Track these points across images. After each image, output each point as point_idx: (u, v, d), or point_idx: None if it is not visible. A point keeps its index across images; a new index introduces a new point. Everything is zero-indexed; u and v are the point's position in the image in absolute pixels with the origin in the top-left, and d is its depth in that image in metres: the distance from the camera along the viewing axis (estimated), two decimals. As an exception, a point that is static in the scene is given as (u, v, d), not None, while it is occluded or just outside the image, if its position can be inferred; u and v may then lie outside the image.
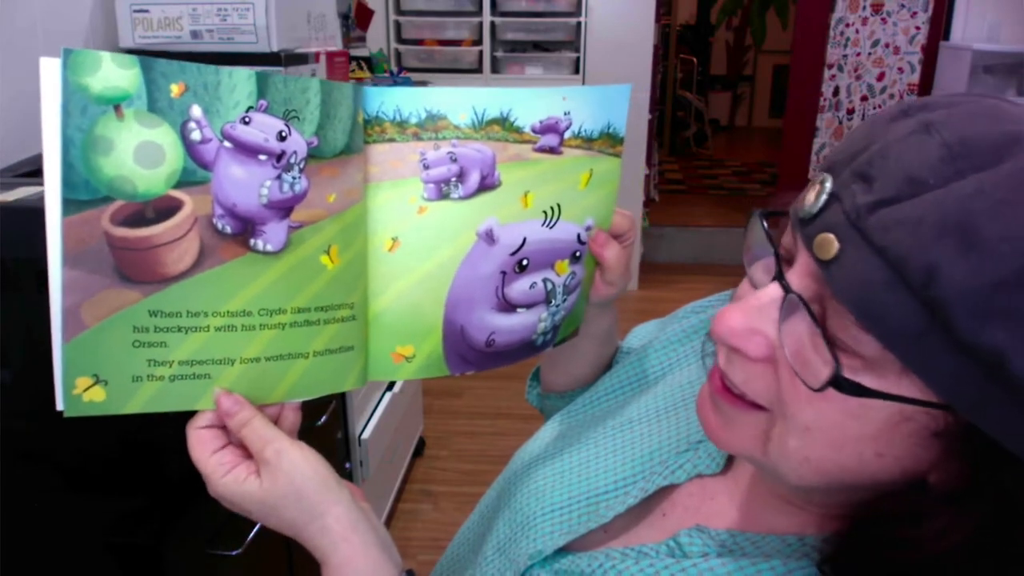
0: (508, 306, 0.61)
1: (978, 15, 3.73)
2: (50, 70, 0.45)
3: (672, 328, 0.74)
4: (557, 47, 3.99)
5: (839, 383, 0.40)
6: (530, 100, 0.57)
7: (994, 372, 0.36)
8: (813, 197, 0.42)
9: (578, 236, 0.62)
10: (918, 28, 3.85)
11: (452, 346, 0.61)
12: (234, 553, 1.09)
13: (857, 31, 3.99)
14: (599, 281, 0.66)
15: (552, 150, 0.59)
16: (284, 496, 0.53)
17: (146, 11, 1.40)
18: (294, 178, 0.52)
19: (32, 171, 1.08)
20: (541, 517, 0.60)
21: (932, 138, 0.39)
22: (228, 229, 0.51)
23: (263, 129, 0.51)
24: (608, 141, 0.62)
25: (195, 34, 1.39)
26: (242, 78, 0.49)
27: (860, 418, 0.41)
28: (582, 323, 0.70)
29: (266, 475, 0.54)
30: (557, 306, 0.63)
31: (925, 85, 3.89)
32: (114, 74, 0.46)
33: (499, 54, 3.94)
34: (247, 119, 0.50)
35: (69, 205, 0.47)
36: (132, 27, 1.41)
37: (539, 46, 4.00)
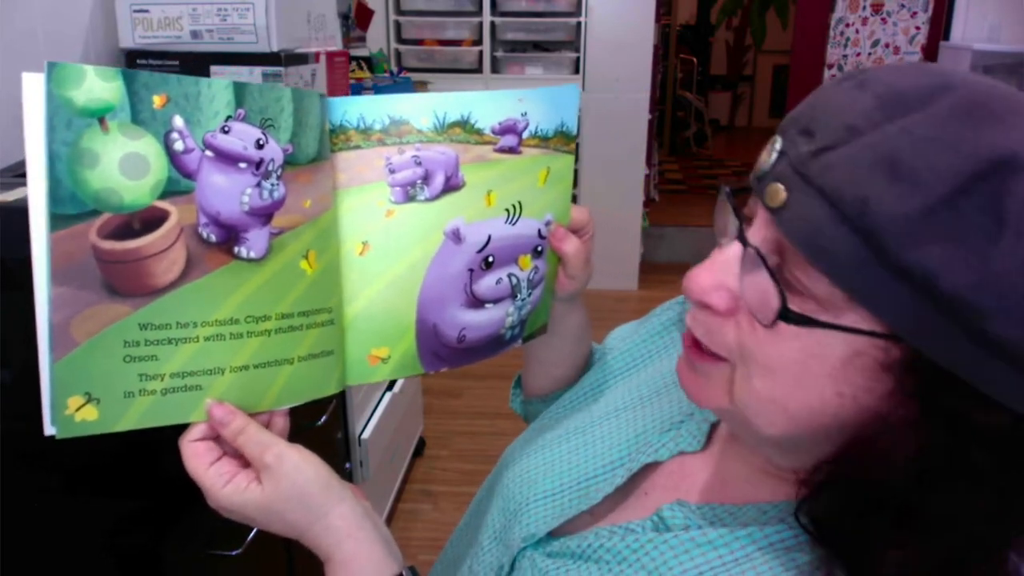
0: (477, 302, 0.63)
1: (978, 15, 3.73)
2: (33, 85, 0.45)
3: (652, 321, 0.77)
4: (557, 47, 3.99)
5: (786, 315, 0.44)
6: (488, 103, 0.59)
7: (926, 293, 0.39)
8: (765, 156, 0.47)
9: (539, 231, 0.64)
10: (918, 28, 3.85)
11: (425, 344, 0.62)
12: (234, 553, 1.09)
13: (857, 31, 3.99)
14: (562, 275, 0.68)
15: (512, 150, 0.61)
16: (288, 499, 0.54)
17: (146, 11, 1.40)
18: (272, 185, 0.53)
19: (32, 171, 1.08)
20: (533, 503, 0.62)
21: (865, 92, 0.43)
22: (213, 238, 0.51)
23: (242, 137, 0.51)
24: (562, 139, 0.64)
25: (195, 34, 1.39)
26: (220, 88, 0.50)
27: (817, 356, 0.44)
28: (550, 320, 0.72)
29: (268, 480, 0.54)
30: (523, 300, 0.65)
31: (925, 85, 3.88)
32: (98, 86, 0.46)
33: (499, 54, 3.94)
34: (227, 128, 0.51)
35: (56, 220, 0.47)
36: (132, 27, 1.41)
37: (539, 46, 4.00)
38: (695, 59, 7.55)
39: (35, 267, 0.47)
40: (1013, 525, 0.43)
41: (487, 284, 0.63)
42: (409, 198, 0.58)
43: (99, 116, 0.47)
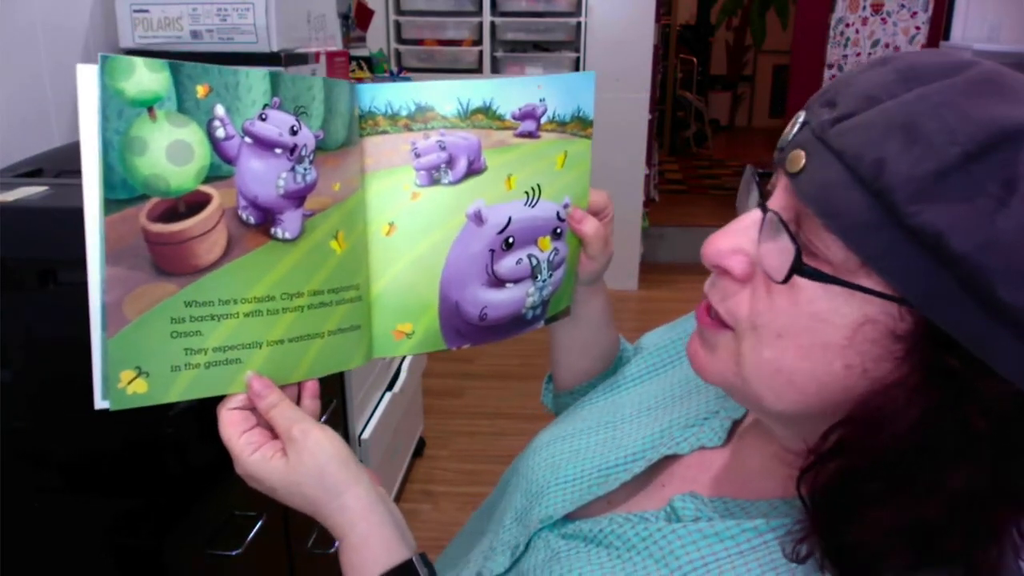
0: (498, 281, 0.65)
1: (978, 15, 3.73)
2: (87, 76, 0.48)
3: (689, 322, 0.77)
4: (557, 47, 3.99)
5: (800, 268, 0.44)
6: (509, 89, 0.62)
7: (936, 253, 0.40)
8: (788, 128, 0.48)
9: (557, 214, 0.67)
10: (918, 28, 3.85)
11: (448, 321, 0.65)
12: (234, 553, 1.09)
13: (857, 31, 3.99)
14: (583, 256, 0.70)
15: (531, 135, 0.64)
16: (308, 474, 0.56)
17: (146, 11, 1.40)
18: (305, 169, 0.56)
19: (32, 171, 1.08)
20: (554, 486, 0.64)
21: (887, 67, 0.45)
22: (251, 219, 0.55)
23: (278, 125, 0.54)
24: (579, 124, 0.66)
25: (195, 34, 1.39)
26: (258, 78, 0.53)
27: (826, 322, 0.45)
28: (573, 303, 0.74)
29: (292, 453, 0.56)
30: (544, 281, 0.68)
31: (925, 85, 3.88)
32: (147, 78, 0.49)
33: (499, 54, 3.94)
34: (264, 116, 0.54)
35: (110, 205, 0.49)
36: (132, 27, 1.41)
37: (539, 46, 4.00)
38: (695, 59, 7.54)
39: (88, 250, 0.50)
40: (1001, 500, 0.43)
41: (507, 264, 0.65)
42: (434, 181, 0.61)
43: (148, 106, 0.49)
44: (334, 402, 1.65)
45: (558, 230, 0.67)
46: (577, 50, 3.92)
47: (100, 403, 0.52)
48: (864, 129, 0.43)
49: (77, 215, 0.50)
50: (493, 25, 3.89)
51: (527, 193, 0.64)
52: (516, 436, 2.69)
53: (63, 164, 1.11)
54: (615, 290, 4.14)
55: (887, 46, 3.93)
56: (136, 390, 0.53)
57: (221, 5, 1.37)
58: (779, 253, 0.46)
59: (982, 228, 0.39)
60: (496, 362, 3.15)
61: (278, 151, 0.54)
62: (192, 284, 0.53)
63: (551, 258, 0.67)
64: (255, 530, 1.12)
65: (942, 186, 0.40)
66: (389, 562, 0.56)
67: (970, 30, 3.75)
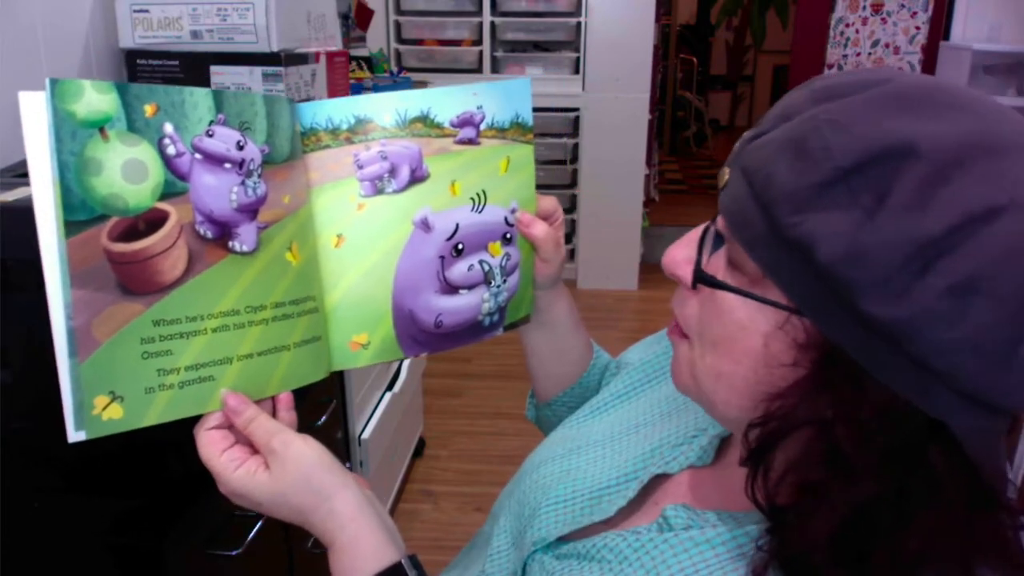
0: (450, 288, 0.66)
1: (978, 15, 3.73)
2: (31, 103, 0.48)
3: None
4: (557, 47, 3.99)
5: (700, 276, 0.48)
6: (445, 98, 0.63)
7: (808, 263, 0.42)
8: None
9: (505, 219, 0.68)
10: (918, 28, 3.85)
11: (404, 330, 0.65)
12: (234, 553, 1.09)
13: (857, 31, 3.99)
14: (537, 260, 0.71)
15: (471, 141, 0.65)
16: (294, 482, 0.56)
17: (146, 11, 1.40)
18: (255, 183, 0.57)
19: (32, 171, 1.07)
20: (546, 508, 0.63)
21: (808, 87, 0.47)
22: (209, 234, 0.55)
23: (225, 140, 0.55)
24: (519, 130, 0.68)
25: (195, 34, 1.39)
26: (202, 95, 0.54)
27: (747, 329, 0.47)
28: (537, 311, 0.75)
29: (275, 465, 0.56)
30: (498, 287, 0.69)
31: (925, 85, 3.88)
32: (96, 99, 0.50)
33: (499, 54, 3.94)
34: (211, 132, 0.55)
35: (71, 227, 0.49)
36: (132, 27, 1.41)
37: (539, 46, 4.00)
38: (695, 59, 7.54)
39: (47, 274, 0.49)
40: (910, 508, 0.43)
41: (459, 271, 0.65)
42: (378, 191, 0.62)
43: (99, 126, 0.50)
44: (334, 402, 1.65)
45: (508, 235, 0.68)
46: (577, 50, 3.92)
47: (75, 435, 0.51)
48: (765, 146, 0.45)
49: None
50: (493, 25, 3.89)
51: (473, 199, 0.65)
52: (516, 436, 2.69)
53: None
54: (615, 290, 4.17)
55: (887, 46, 3.93)
56: (112, 415, 0.52)
57: (221, 5, 1.37)
58: (714, 263, 0.49)
59: (848, 240, 0.40)
60: (496, 362, 3.15)
61: (228, 166, 0.55)
62: (159, 303, 0.53)
63: (503, 263, 0.68)
64: (255, 530, 1.12)
65: (820, 199, 0.41)
66: (379, 564, 0.56)
67: (970, 30, 3.75)
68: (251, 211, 0.57)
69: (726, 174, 0.48)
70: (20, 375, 0.84)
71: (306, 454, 0.57)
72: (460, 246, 0.65)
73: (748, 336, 0.47)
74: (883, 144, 0.40)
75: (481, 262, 0.66)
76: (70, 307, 0.49)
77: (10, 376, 0.84)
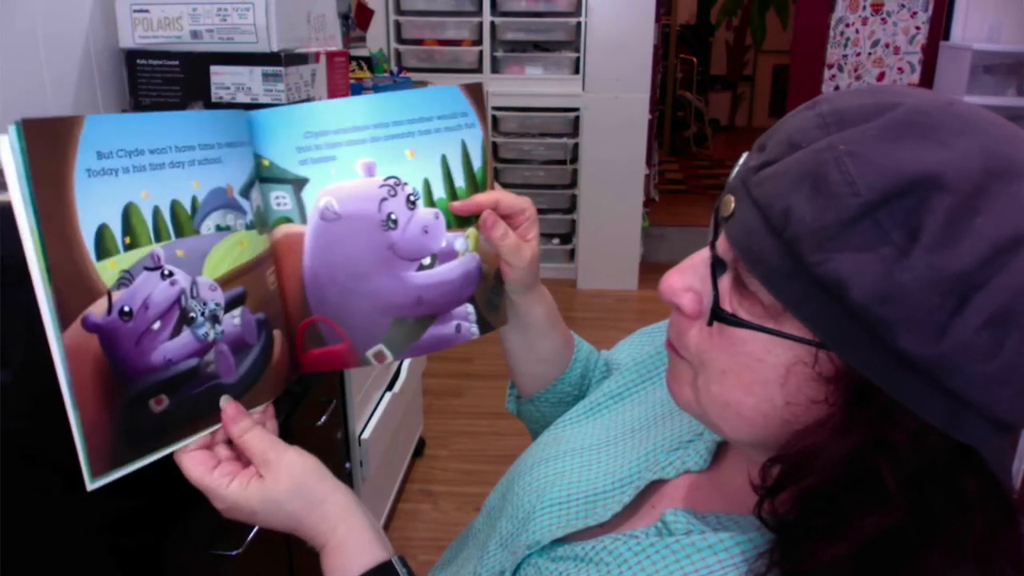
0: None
1: (978, 15, 3.72)
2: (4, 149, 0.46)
3: (663, 335, 0.75)
4: (557, 47, 3.99)
5: (718, 314, 0.46)
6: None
7: (840, 302, 0.40)
8: (733, 172, 0.49)
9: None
10: (918, 28, 3.85)
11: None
12: (234, 553, 1.09)
13: (857, 31, 3.98)
14: (502, 263, 0.68)
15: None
16: (288, 490, 0.58)
17: (146, 11, 1.40)
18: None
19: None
20: (540, 511, 0.63)
21: (813, 111, 0.45)
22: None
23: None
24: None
25: (195, 34, 1.39)
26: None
27: (762, 361, 0.46)
28: (514, 312, 0.73)
29: (269, 474, 0.58)
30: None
31: (925, 85, 3.88)
32: None
33: (499, 54, 3.94)
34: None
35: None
36: (132, 27, 1.41)
37: (539, 46, 4.00)
38: (695, 59, 7.54)
39: (46, 320, 0.50)
40: (924, 543, 0.43)
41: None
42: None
43: None
44: (334, 402, 1.65)
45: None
46: (577, 50, 3.92)
47: (92, 484, 0.52)
48: (777, 178, 0.43)
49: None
50: (493, 25, 3.89)
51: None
52: (516, 436, 2.68)
53: (63, 164, 1.11)
54: (615, 290, 4.16)
55: (887, 46, 3.93)
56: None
57: (221, 5, 1.37)
58: (720, 293, 0.47)
59: (882, 279, 0.39)
60: (496, 362, 3.14)
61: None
62: None
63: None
64: (255, 530, 1.12)
65: (847, 235, 0.40)
66: (370, 561, 0.57)
67: (970, 30, 3.74)
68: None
69: (731, 203, 0.46)
70: (20, 375, 0.84)
71: (299, 463, 0.59)
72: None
73: (764, 369, 0.46)
74: (908, 177, 0.40)
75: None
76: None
77: (10, 376, 0.84)
